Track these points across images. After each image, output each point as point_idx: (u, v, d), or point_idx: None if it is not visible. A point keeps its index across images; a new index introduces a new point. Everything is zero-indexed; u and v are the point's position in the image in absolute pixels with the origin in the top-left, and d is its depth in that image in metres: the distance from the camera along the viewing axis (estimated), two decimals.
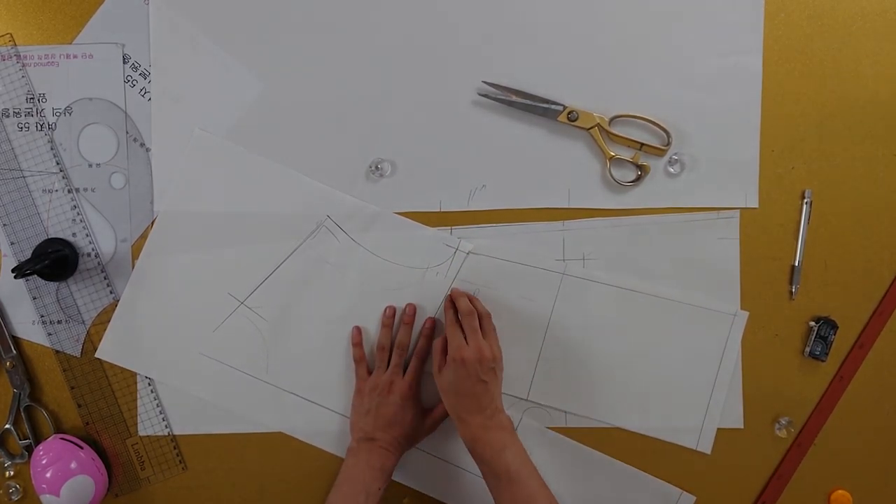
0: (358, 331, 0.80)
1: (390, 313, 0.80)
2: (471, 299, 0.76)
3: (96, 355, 0.81)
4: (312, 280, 0.80)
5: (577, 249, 0.80)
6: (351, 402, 0.79)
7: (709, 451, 0.80)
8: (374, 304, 0.80)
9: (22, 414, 0.81)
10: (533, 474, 0.68)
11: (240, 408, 0.81)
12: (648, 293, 0.79)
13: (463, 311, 0.74)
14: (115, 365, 0.81)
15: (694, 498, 0.80)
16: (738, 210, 0.79)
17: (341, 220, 0.80)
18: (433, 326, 0.79)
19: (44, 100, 0.80)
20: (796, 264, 0.79)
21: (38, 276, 0.79)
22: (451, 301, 0.77)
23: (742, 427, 0.80)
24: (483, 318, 0.75)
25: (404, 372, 0.78)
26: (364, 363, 0.79)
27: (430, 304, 0.80)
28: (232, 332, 0.81)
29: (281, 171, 0.80)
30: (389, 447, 0.75)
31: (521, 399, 0.80)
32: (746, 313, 0.79)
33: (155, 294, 0.81)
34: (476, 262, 0.80)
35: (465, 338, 0.72)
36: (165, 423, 0.82)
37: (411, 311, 0.79)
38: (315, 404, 0.81)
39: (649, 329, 0.80)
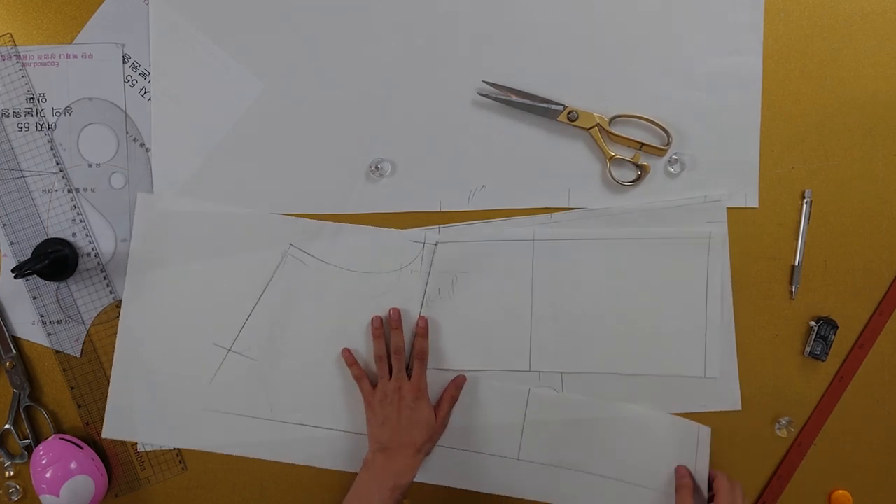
0: (348, 352, 0.80)
1: (378, 324, 0.79)
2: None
3: (103, 436, 0.81)
4: (293, 310, 0.80)
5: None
6: (365, 419, 0.79)
7: (717, 376, 0.79)
8: (358, 317, 0.80)
9: (22, 414, 0.81)
10: None
11: (257, 452, 0.81)
12: (621, 237, 0.79)
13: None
14: (115, 365, 0.81)
15: (710, 429, 0.79)
16: (724, 195, 0.78)
17: (304, 244, 0.80)
18: (426, 325, 0.79)
19: (44, 100, 0.80)
20: (796, 264, 0.79)
21: (38, 276, 0.79)
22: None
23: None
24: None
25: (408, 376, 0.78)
26: (365, 378, 0.79)
27: (413, 304, 0.80)
28: (227, 381, 0.80)
29: (234, 215, 0.80)
30: (410, 453, 0.74)
31: (524, 371, 0.80)
32: (724, 232, 0.78)
33: (144, 365, 0.80)
34: (447, 252, 0.79)
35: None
36: None
37: (396, 315, 0.79)
38: (328, 430, 0.81)
39: (629, 272, 0.79)
